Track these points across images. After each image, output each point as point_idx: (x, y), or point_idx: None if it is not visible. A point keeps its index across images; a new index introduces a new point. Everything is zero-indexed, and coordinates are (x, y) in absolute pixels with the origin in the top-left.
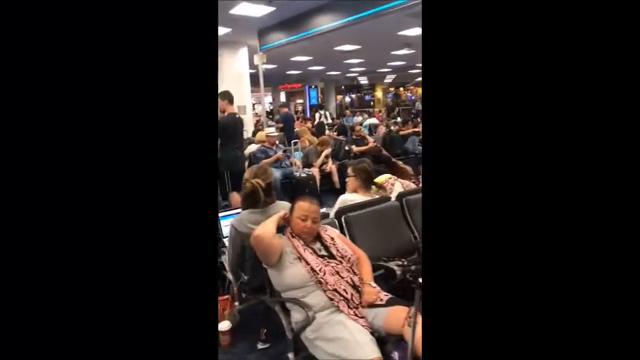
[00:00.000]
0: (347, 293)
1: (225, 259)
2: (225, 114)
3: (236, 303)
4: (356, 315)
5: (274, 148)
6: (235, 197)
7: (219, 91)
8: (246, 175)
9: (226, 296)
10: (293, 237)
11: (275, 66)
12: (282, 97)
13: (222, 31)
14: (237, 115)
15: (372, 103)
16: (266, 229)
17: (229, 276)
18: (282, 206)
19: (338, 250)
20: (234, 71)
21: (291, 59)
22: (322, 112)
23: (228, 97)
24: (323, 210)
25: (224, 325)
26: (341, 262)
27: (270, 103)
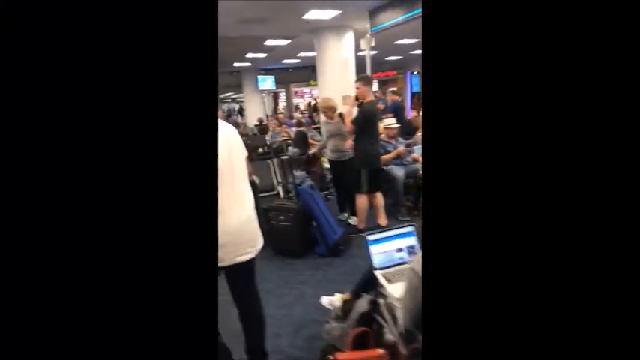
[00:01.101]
0: None
1: (383, 303)
2: (365, 101)
3: None
4: None
5: (393, 142)
6: (362, 201)
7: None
8: None
9: (380, 351)
10: None
11: (376, 52)
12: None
13: (331, 14)
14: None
15: None
16: None
17: (389, 327)
18: None
19: None
20: (339, 57)
21: (395, 43)
22: None
23: (371, 82)
24: None
25: None
26: None
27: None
